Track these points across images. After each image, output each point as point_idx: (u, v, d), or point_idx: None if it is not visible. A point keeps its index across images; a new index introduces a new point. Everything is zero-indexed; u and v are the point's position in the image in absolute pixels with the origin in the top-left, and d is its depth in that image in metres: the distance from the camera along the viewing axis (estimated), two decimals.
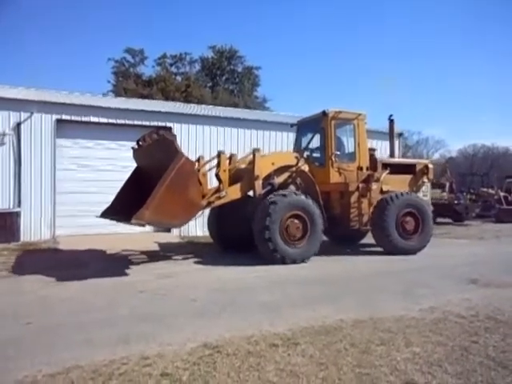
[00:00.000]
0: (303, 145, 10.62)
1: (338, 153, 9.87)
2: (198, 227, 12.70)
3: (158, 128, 8.41)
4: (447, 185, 20.71)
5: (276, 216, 8.31)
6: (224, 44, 39.04)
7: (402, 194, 9.68)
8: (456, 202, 18.50)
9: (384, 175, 10.13)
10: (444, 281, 7.00)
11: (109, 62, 38.13)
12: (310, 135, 10.26)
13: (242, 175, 9.13)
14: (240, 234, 9.53)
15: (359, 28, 72.31)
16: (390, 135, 11.54)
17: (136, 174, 9.06)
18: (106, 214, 8.69)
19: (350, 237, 11.27)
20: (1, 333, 4.47)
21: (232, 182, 8.98)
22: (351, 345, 4.13)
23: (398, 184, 10.28)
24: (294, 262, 8.42)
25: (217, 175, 8.89)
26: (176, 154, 7.38)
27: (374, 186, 9.87)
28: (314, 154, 10.45)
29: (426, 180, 10.94)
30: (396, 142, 12.28)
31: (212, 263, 8.61)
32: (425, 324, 4.76)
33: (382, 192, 9.95)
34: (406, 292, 6.25)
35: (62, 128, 12.32)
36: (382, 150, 15.24)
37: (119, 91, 33.77)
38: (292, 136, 15.19)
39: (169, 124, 13.57)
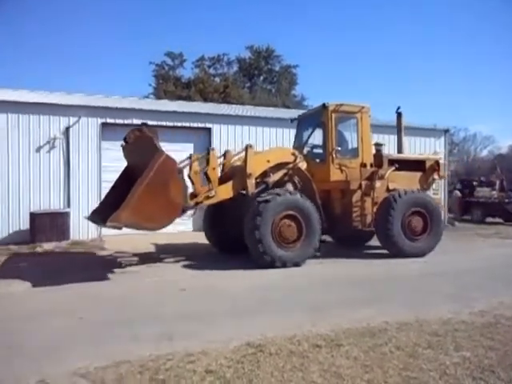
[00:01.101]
0: (304, 141, 10.05)
1: (339, 148, 9.21)
2: None
3: (141, 124, 7.66)
4: (497, 183, 19.76)
5: (267, 216, 7.79)
6: (261, 44, 39.19)
7: (408, 192, 9.00)
8: (507, 200, 17.60)
9: (389, 172, 9.37)
10: (494, 282, 6.68)
11: (150, 65, 39.19)
12: (310, 130, 9.74)
13: (235, 173, 8.73)
14: (238, 235, 8.56)
15: (402, 24, 70.29)
16: (398, 129, 10.77)
17: (125, 172, 8.58)
18: (93, 215, 8.27)
19: (356, 238, 10.52)
20: (56, 326, 4.70)
21: (227, 180, 8.62)
22: (397, 348, 4.02)
23: (405, 181, 9.55)
24: (284, 265, 7.86)
25: (205, 174, 8.44)
26: (156, 151, 6.96)
27: (379, 183, 9.22)
28: (315, 150, 9.89)
29: (436, 177, 10.16)
30: (432, 139, 11.72)
31: (247, 263, 8.64)
32: (475, 328, 4.56)
33: (388, 190, 9.29)
34: (452, 294, 6.02)
35: (107, 131, 12.78)
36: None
37: (159, 94, 34.60)
38: None
39: (208, 125, 13.80)
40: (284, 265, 7.87)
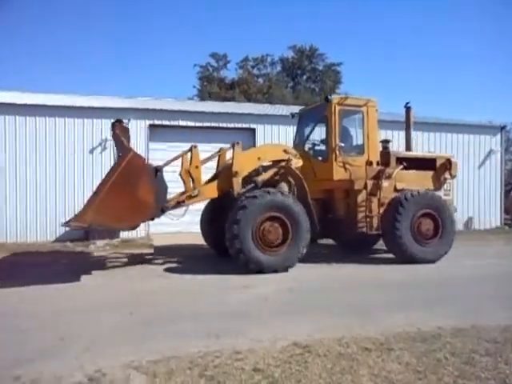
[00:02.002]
0: (305, 137, 9.59)
1: (343, 145, 8.69)
2: None
3: (115, 121, 7.37)
4: None
5: (247, 218, 7.27)
6: (304, 43, 38.93)
7: (418, 193, 8.40)
8: None
9: (397, 171, 8.78)
10: None
11: (195, 67, 40.05)
12: (312, 126, 9.24)
13: (223, 172, 8.45)
14: None
15: (454, 20, 67.31)
16: (407, 125, 10.13)
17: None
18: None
19: (362, 241, 9.74)
20: (109, 321, 4.89)
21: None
22: (452, 354, 3.84)
23: (415, 181, 8.97)
24: (274, 270, 7.38)
25: (188, 172, 8.08)
26: (124, 149, 6.71)
27: (385, 183, 8.60)
28: (317, 148, 9.39)
29: (448, 176, 9.46)
30: (487, 137, 10.92)
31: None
32: None
33: (395, 190, 8.70)
34: (506, 299, 5.68)
35: (154, 132, 13.20)
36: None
37: (204, 95, 35.28)
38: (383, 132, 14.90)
39: (252, 125, 13.88)
40: (267, 270, 7.32)
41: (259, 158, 8.44)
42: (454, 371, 3.50)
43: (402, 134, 10.42)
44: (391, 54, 68.11)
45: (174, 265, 8.44)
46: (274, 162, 8.63)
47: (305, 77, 40.00)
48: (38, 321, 4.89)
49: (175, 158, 8.34)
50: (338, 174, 8.54)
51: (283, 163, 8.41)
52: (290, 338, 4.25)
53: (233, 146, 8.33)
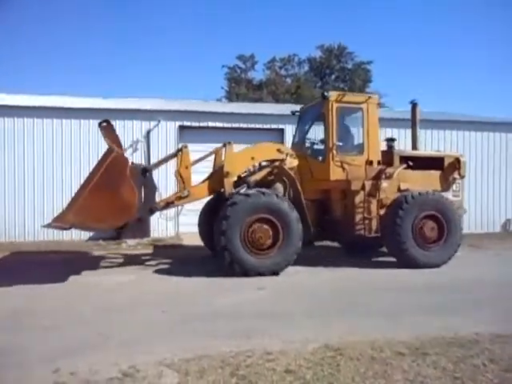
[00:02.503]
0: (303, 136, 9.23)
1: (341, 144, 8.31)
2: None
3: (101, 122, 7.26)
4: None
5: (235, 220, 7.06)
6: (332, 42, 38.55)
7: (421, 194, 7.97)
8: None
9: (398, 171, 8.37)
10: None
11: (222, 69, 40.38)
12: (310, 124, 8.95)
13: (215, 172, 8.30)
14: None
15: (487, 14, 65.06)
16: (413, 122, 9.60)
17: None
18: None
19: (367, 243, 9.14)
20: (142, 319, 4.99)
21: None
22: (490, 360, 3.71)
23: (420, 181, 8.52)
24: (259, 274, 7.13)
25: (178, 172, 7.96)
26: (107, 149, 6.63)
27: (385, 183, 8.15)
28: (315, 147, 9.06)
29: (457, 176, 8.95)
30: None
31: (330, 263, 8.50)
32: None
33: (399, 191, 8.31)
34: None
35: (184, 133, 13.37)
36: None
37: (232, 96, 35.52)
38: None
39: (281, 126, 13.85)
40: (251, 273, 7.12)
41: (253, 158, 8.29)
42: (494, 378, 3.39)
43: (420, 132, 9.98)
44: (424, 52, 66.49)
45: (187, 266, 8.52)
46: (269, 161, 8.46)
47: (333, 76, 39.60)
48: (74, 318, 5.04)
49: (165, 159, 8.43)
50: (335, 173, 8.20)
51: (277, 163, 8.22)
52: (320, 339, 4.21)
53: (224, 146, 8.21)
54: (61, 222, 6.40)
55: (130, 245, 11.11)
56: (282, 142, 13.57)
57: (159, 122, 13.20)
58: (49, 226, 6.58)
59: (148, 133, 13.14)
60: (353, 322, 4.83)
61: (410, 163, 8.77)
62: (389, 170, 8.28)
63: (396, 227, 7.76)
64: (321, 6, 63.90)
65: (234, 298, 5.97)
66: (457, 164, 8.92)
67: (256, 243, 7.20)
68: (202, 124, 13.56)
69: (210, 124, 13.58)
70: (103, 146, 12.33)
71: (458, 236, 8.15)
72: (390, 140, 9.12)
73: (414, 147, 9.55)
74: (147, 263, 8.72)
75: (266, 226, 7.26)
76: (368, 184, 8.13)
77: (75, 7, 63.18)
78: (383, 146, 9.03)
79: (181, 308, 5.43)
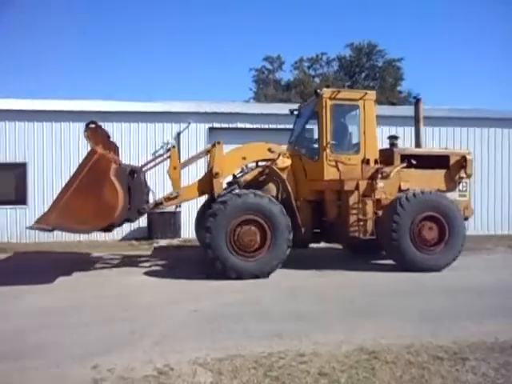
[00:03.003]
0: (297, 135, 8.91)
1: (334, 142, 7.98)
2: None
3: (88, 123, 7.09)
4: None
5: (221, 221, 6.94)
6: (362, 40, 38.00)
7: (420, 193, 7.58)
8: None
9: (396, 170, 7.98)
10: None
11: (250, 71, 40.55)
12: (304, 123, 8.65)
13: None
14: None
15: None
16: (416, 119, 9.13)
17: None
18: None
19: (372, 245, 8.50)
20: (173, 318, 5.06)
21: None
22: None
23: (423, 181, 8.10)
24: (246, 277, 6.98)
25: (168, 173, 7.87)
26: (90, 150, 6.61)
27: (381, 183, 7.78)
28: (309, 146, 8.76)
29: (463, 176, 8.42)
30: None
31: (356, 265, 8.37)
32: None
33: (400, 191, 7.95)
34: None
35: (214, 135, 13.46)
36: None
37: (260, 98, 35.60)
38: (442, 131, 14.20)
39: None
40: (242, 276, 6.97)
41: (244, 158, 8.13)
42: None
43: (432, 129, 9.59)
44: (456, 49, 64.48)
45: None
46: (260, 161, 8.30)
47: (363, 74, 39.00)
48: (108, 315, 5.17)
49: (152, 160, 8.45)
50: (329, 173, 7.90)
51: (268, 163, 8.05)
52: (354, 342, 4.15)
53: (213, 146, 8.09)
54: (44, 223, 6.41)
55: (161, 245, 11.32)
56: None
57: (189, 124, 13.39)
58: (31, 227, 6.64)
59: (178, 135, 13.36)
60: (387, 325, 4.72)
61: (414, 162, 8.46)
62: (386, 170, 7.95)
63: (392, 229, 7.44)
64: (349, 4, 63.06)
65: (260, 298, 5.96)
66: (463, 162, 8.40)
67: (242, 245, 7.07)
68: (231, 125, 13.67)
69: (240, 125, 13.67)
70: (136, 147, 12.84)
71: (461, 238, 7.71)
72: (393, 138, 8.78)
73: (418, 145, 9.13)
74: (174, 263, 8.81)
75: (253, 228, 7.11)
76: (362, 184, 7.79)
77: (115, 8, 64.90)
78: (386, 144, 8.81)
79: (210, 307, 5.47)
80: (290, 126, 13.49)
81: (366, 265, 8.43)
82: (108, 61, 68.76)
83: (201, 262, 8.38)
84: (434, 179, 8.26)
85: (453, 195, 8.28)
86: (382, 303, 5.70)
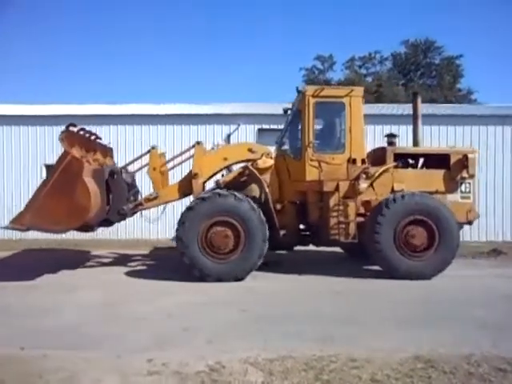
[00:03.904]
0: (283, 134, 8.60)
1: (318, 142, 7.72)
2: None
3: (68, 125, 7.26)
4: None
5: (192, 222, 6.90)
6: (418, 37, 36.57)
7: (407, 195, 7.10)
8: None
9: (382, 170, 7.49)
10: None
11: (300, 71, 40.33)
12: (290, 122, 8.37)
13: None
14: None
15: None
16: (414, 115, 8.57)
17: None
18: None
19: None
20: (223, 316, 5.15)
21: None
22: None
23: (420, 181, 7.59)
24: (219, 279, 6.86)
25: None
26: (63, 152, 6.74)
27: (364, 184, 7.36)
28: (293, 145, 8.37)
29: (466, 176, 7.69)
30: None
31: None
32: None
33: (393, 192, 7.44)
34: None
35: (263, 136, 13.54)
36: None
37: None
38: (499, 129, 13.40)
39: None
40: (219, 279, 6.88)
41: (225, 159, 8.04)
42: None
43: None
44: None
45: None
46: (241, 162, 8.18)
47: (419, 72, 37.53)
48: (161, 311, 5.35)
49: (134, 160, 8.40)
50: (311, 174, 7.57)
51: (249, 163, 7.90)
52: (409, 349, 4.01)
53: (193, 146, 8.07)
54: (18, 223, 6.64)
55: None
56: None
57: (239, 125, 13.57)
58: (6, 227, 6.83)
59: (228, 136, 13.57)
60: (440, 333, 4.51)
61: (411, 161, 8.05)
62: (371, 170, 7.51)
63: (375, 233, 7.03)
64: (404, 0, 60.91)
65: (314, 300, 5.92)
66: (465, 161, 7.69)
67: (215, 247, 6.99)
68: (280, 126, 13.61)
69: None
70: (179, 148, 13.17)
71: (454, 244, 7.14)
72: (391, 136, 8.32)
73: (416, 143, 8.56)
74: None
75: (226, 230, 7.01)
76: (343, 185, 7.45)
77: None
78: (383, 143, 8.41)
79: (260, 308, 5.50)
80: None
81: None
82: (160, 63, 71.20)
83: None
84: (432, 180, 7.71)
85: (454, 197, 7.72)
86: (437, 310, 5.46)
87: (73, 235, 12.60)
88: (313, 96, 7.67)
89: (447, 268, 7.15)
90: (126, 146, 13.17)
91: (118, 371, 3.58)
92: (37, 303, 5.77)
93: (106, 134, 13.14)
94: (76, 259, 9.14)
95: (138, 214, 8.36)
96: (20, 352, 4.00)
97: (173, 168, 8.58)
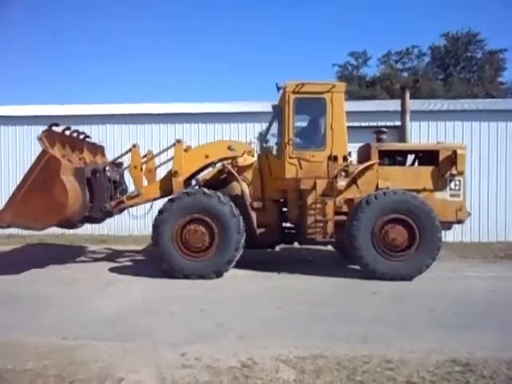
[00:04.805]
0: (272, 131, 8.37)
1: (298, 139, 7.61)
2: None
3: (51, 124, 7.41)
4: None
5: (167, 219, 6.95)
6: (460, 29, 35.20)
7: (387, 193, 6.88)
8: None
9: (362, 168, 7.29)
10: None
11: (333, 67, 39.81)
12: (272, 118, 8.10)
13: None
14: None
15: None
16: (402, 110, 8.29)
17: None
18: None
19: None
20: (255, 313, 5.17)
21: None
22: None
23: (406, 179, 7.32)
24: (186, 276, 6.89)
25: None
26: (43, 151, 6.88)
27: (342, 182, 7.20)
28: (274, 143, 8.23)
29: (455, 173, 7.31)
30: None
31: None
32: None
33: (378, 190, 7.20)
34: None
35: None
36: None
37: None
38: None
39: (397, 123, 13.11)
40: (192, 277, 6.91)
41: (207, 156, 7.98)
42: None
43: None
44: None
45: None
46: (223, 159, 8.07)
47: (459, 67, 36.17)
48: (194, 306, 5.44)
49: (116, 159, 8.44)
50: (291, 171, 7.47)
51: (228, 161, 7.86)
52: (445, 352, 3.90)
53: (173, 145, 8.04)
54: None
55: None
56: (399, 139, 12.92)
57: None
58: None
59: (260, 134, 13.55)
60: (478, 336, 4.35)
61: (398, 158, 7.76)
62: (351, 168, 7.37)
63: (351, 232, 6.89)
64: None
65: (346, 300, 5.85)
66: (454, 158, 7.38)
67: (189, 244, 7.02)
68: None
69: None
70: None
71: (435, 244, 6.87)
72: (379, 132, 7.99)
73: (403, 139, 8.29)
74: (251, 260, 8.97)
75: (201, 228, 7.02)
76: (321, 183, 7.35)
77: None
78: (373, 139, 8.07)
79: (292, 306, 5.48)
80: (375, 124, 13.13)
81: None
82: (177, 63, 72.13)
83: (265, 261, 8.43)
84: (419, 177, 7.44)
85: (443, 195, 7.43)
86: (473, 312, 5.26)
87: (102, 230, 13.20)
88: (293, 92, 7.55)
89: (479, 269, 6.91)
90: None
91: (153, 363, 3.68)
92: (75, 295, 6.01)
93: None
94: (110, 255, 9.42)
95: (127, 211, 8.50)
96: (61, 341, 4.20)
97: (159, 166, 8.49)
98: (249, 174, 7.89)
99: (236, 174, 7.66)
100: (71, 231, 12.50)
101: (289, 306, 5.44)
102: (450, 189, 7.49)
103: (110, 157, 9.37)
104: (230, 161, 7.87)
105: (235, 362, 3.71)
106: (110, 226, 13.06)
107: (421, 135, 12.97)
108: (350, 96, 32.20)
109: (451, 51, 35.39)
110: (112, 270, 7.71)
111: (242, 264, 7.93)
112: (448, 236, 12.22)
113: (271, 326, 4.70)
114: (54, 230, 10.14)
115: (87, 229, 12.95)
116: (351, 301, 5.82)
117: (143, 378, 3.43)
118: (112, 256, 9.25)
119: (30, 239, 11.47)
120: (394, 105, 15.90)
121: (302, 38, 67.49)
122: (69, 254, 9.61)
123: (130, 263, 8.47)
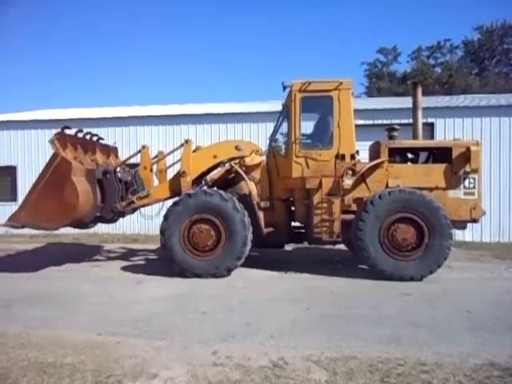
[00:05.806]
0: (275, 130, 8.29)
1: (305, 138, 7.63)
2: None
3: (63, 127, 7.70)
4: None
5: (174, 219, 7.03)
6: (495, 21, 33.88)
7: (394, 191, 6.77)
8: None
9: (369, 166, 7.17)
10: None
11: (362, 65, 39.15)
12: (280, 118, 8.01)
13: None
14: None
15: None
16: (414, 106, 8.03)
17: None
18: None
19: None
20: (286, 313, 5.16)
21: None
22: None
23: (417, 177, 7.14)
24: (198, 275, 6.98)
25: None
26: (54, 154, 7.09)
27: (349, 180, 7.11)
28: (282, 142, 8.29)
29: (469, 170, 7.04)
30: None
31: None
32: None
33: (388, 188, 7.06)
34: None
35: None
36: None
37: (372, 92, 34.16)
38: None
39: (430, 120, 12.78)
40: (198, 275, 6.99)
41: (215, 156, 8.02)
42: None
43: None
44: None
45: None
46: (231, 159, 8.08)
47: (494, 60, 34.82)
48: (223, 305, 5.48)
49: (126, 160, 8.62)
50: (297, 170, 7.43)
51: (236, 161, 7.89)
52: (482, 355, 3.77)
53: (182, 145, 8.06)
54: (14, 220, 7.09)
55: None
56: (432, 136, 12.59)
57: None
58: (4, 225, 7.25)
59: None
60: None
61: (410, 156, 7.53)
62: (358, 166, 7.23)
63: (358, 231, 6.80)
64: None
65: (374, 301, 5.73)
66: (468, 155, 7.11)
67: (196, 243, 7.09)
68: None
69: None
70: None
71: (446, 243, 6.68)
72: (391, 129, 7.79)
73: (416, 136, 8.01)
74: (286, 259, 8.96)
75: (208, 228, 7.08)
76: (327, 182, 7.29)
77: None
78: (384, 137, 7.87)
79: (323, 307, 5.43)
80: (406, 121, 12.80)
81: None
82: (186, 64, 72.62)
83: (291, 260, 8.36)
84: (431, 175, 7.22)
85: (456, 193, 7.20)
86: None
87: (133, 230, 13.50)
88: (299, 91, 7.52)
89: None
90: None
91: (185, 361, 3.74)
92: (107, 293, 6.16)
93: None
94: (140, 254, 9.62)
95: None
96: (97, 337, 4.32)
97: (170, 167, 8.71)
98: (256, 174, 7.94)
99: (243, 174, 7.73)
100: (104, 230, 12.88)
101: (317, 307, 5.40)
102: (464, 187, 7.28)
103: (123, 158, 9.62)
104: (237, 160, 7.95)
105: (266, 361, 3.71)
106: (141, 226, 13.40)
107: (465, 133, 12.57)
108: (381, 93, 31.61)
109: (485, 44, 34.12)
110: (142, 268, 7.89)
111: (266, 264, 7.99)
112: (485, 235, 11.87)
113: (301, 326, 4.67)
114: (88, 230, 10.51)
115: (119, 228, 13.37)
116: (380, 302, 5.69)
117: (176, 374, 3.48)
118: (142, 255, 9.47)
119: (64, 238, 11.89)
120: (427, 101, 15.58)
121: (328, 39, 66.86)
122: (100, 252, 9.90)
123: (159, 262, 8.61)
